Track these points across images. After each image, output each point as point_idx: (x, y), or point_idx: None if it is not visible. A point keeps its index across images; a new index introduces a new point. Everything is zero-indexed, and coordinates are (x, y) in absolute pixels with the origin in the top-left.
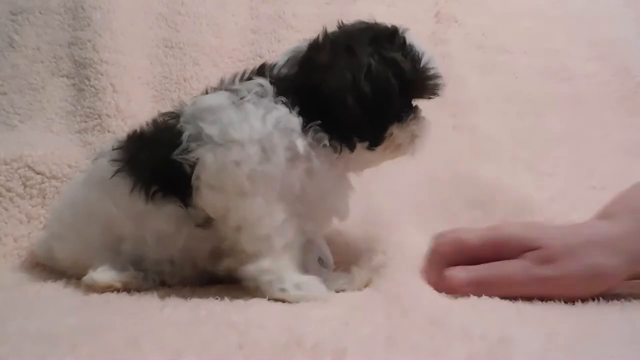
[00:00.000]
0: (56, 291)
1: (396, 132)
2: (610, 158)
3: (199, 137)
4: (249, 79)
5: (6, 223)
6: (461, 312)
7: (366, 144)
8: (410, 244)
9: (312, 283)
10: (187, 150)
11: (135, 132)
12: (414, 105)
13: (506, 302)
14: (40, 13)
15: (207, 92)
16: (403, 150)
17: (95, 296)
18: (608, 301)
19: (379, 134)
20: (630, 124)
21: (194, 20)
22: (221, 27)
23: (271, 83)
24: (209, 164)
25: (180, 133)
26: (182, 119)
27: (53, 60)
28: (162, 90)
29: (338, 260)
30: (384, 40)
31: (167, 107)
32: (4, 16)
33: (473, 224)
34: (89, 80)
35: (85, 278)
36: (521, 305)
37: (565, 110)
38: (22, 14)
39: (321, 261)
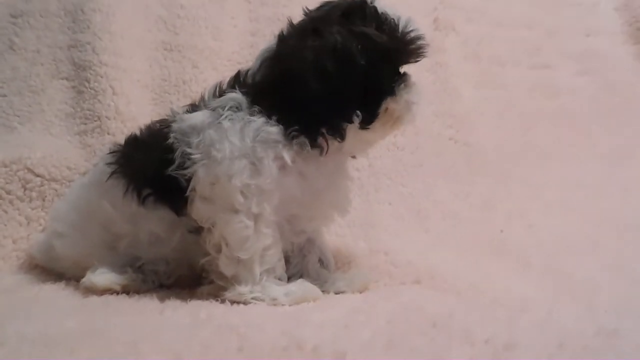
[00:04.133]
0: (55, 293)
1: (391, 105)
2: (597, 169)
3: (190, 155)
4: (224, 93)
5: (5, 225)
6: (463, 314)
7: (357, 125)
8: (412, 246)
9: (300, 286)
10: (182, 167)
11: (131, 136)
12: (402, 72)
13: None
14: (41, 16)
15: (194, 105)
16: (403, 120)
17: (94, 298)
18: None
19: (372, 111)
20: (615, 136)
21: (193, 23)
22: (220, 30)
23: (244, 93)
24: (202, 177)
25: (172, 149)
26: (172, 135)
27: (53, 63)
28: (161, 93)
29: (338, 262)
30: (354, 16)
31: (166, 110)
32: (4, 19)
33: (475, 224)
34: (88, 82)
35: (84, 280)
36: None
37: (554, 125)
38: (23, 16)
39: (321, 262)
